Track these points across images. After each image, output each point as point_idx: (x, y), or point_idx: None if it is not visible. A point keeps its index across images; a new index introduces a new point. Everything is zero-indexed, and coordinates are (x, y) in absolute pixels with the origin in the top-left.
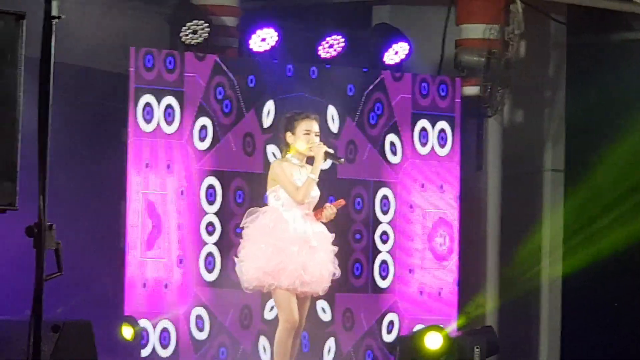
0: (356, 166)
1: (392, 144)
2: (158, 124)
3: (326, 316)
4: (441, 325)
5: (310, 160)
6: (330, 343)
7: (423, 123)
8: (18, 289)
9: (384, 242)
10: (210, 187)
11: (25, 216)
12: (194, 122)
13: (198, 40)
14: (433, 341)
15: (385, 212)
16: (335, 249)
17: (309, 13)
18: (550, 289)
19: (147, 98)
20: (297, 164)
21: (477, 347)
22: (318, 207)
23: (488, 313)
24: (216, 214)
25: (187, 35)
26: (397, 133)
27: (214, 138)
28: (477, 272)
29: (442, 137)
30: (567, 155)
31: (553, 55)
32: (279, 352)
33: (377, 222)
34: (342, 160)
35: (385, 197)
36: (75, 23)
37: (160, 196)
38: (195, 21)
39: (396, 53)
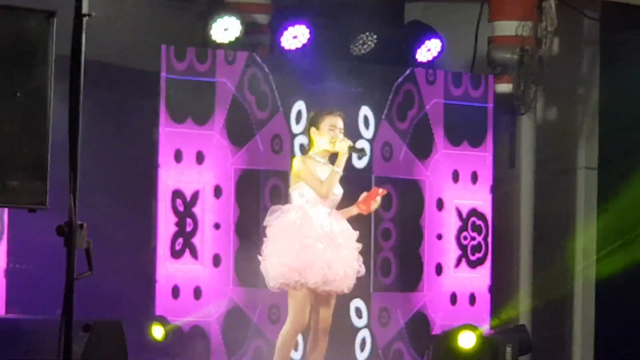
0: (390, 165)
1: (422, 136)
2: (189, 115)
3: (361, 321)
4: (474, 324)
5: (333, 159)
6: (365, 333)
7: (455, 113)
8: (49, 288)
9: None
10: (245, 185)
11: (55, 214)
12: (227, 114)
13: (229, 38)
14: (466, 340)
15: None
16: (360, 246)
17: (341, 10)
18: (584, 288)
19: (178, 88)
20: (320, 161)
21: (509, 346)
22: (341, 207)
23: (522, 312)
24: None
25: (218, 32)
26: (428, 125)
27: (247, 133)
28: (510, 271)
29: (474, 128)
30: (601, 153)
31: (586, 52)
32: (281, 351)
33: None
34: (367, 152)
35: (413, 194)
36: (107, 21)
37: (192, 191)
38: (226, 18)
39: (428, 50)
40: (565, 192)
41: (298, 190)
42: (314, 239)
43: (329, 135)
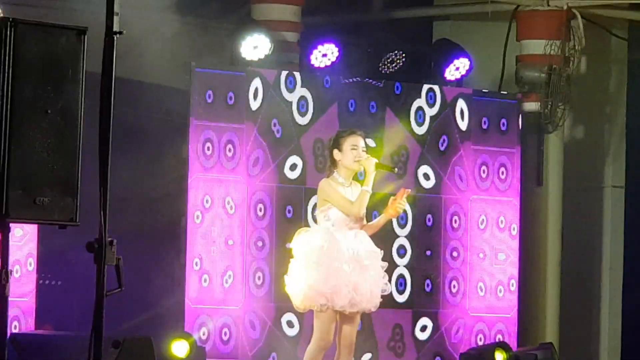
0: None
1: (459, 176)
2: (218, 160)
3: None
4: (507, 343)
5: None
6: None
7: (484, 159)
8: (79, 304)
9: (454, 258)
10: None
11: (84, 230)
12: (250, 154)
13: (259, 56)
14: (498, 358)
15: (455, 229)
16: (385, 265)
17: (370, 29)
18: (611, 306)
19: (207, 135)
20: (343, 182)
21: None
22: (365, 224)
23: (549, 329)
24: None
25: (248, 50)
26: (462, 165)
27: (265, 164)
28: (538, 288)
29: (502, 172)
30: (628, 172)
31: (614, 71)
32: None
33: (449, 239)
34: (395, 169)
35: (455, 213)
36: (137, 39)
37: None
38: (256, 36)
39: (457, 69)
40: (592, 210)
41: (324, 214)
42: (341, 262)
43: (352, 155)
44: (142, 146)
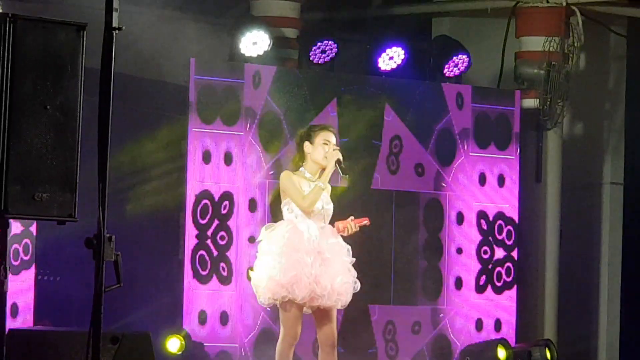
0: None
1: (447, 140)
2: (218, 118)
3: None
4: (506, 340)
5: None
6: None
7: (481, 117)
8: (80, 300)
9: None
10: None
11: (83, 223)
12: (260, 115)
13: (258, 52)
14: (500, 354)
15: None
16: (353, 260)
17: (369, 25)
18: (609, 302)
19: (206, 86)
20: (309, 178)
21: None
22: (335, 222)
23: (547, 325)
24: None
25: (247, 46)
26: (451, 128)
27: (283, 139)
28: (536, 285)
29: (501, 135)
30: (627, 168)
31: (613, 68)
32: None
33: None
34: (347, 176)
35: (435, 208)
36: (136, 35)
37: (221, 192)
38: (255, 32)
39: (456, 65)
40: (590, 207)
41: (287, 206)
42: (302, 254)
43: (323, 150)
44: (141, 141)
